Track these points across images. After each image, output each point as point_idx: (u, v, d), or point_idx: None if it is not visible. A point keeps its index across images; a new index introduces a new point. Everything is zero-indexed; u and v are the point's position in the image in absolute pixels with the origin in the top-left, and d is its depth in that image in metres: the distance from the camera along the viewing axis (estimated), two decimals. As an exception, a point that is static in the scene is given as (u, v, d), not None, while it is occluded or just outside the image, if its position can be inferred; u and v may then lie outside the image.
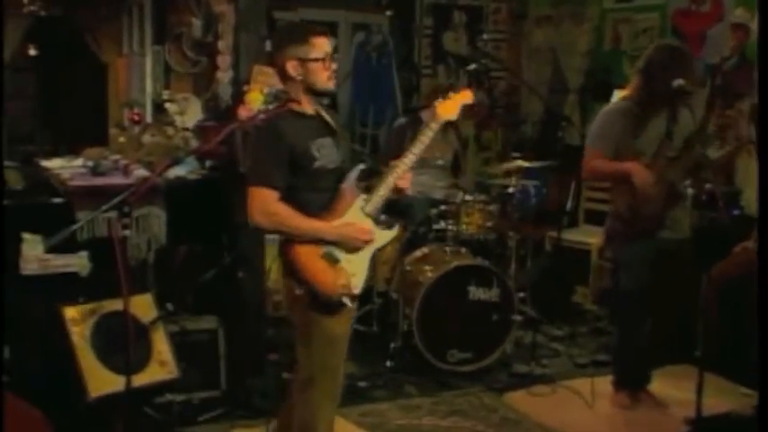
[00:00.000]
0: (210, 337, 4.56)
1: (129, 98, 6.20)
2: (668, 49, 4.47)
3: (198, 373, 4.45)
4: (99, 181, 4.61)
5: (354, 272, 3.35)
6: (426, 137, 3.48)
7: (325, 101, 3.51)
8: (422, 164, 6.01)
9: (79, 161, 5.00)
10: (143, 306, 4.25)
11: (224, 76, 4.93)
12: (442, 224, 5.58)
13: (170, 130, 5.05)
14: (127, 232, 2.90)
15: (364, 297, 5.61)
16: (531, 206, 6.15)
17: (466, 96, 3.63)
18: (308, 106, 3.38)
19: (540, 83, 8.47)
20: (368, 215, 3.40)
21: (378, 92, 8.26)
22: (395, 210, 5.81)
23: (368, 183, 3.49)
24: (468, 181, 6.58)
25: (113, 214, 2.98)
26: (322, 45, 3.32)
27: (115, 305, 4.10)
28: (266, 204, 3.25)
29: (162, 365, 4.24)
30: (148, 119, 5.85)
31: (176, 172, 4.56)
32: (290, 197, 3.30)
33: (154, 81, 6.04)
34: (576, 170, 6.14)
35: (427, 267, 5.29)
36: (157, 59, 6.00)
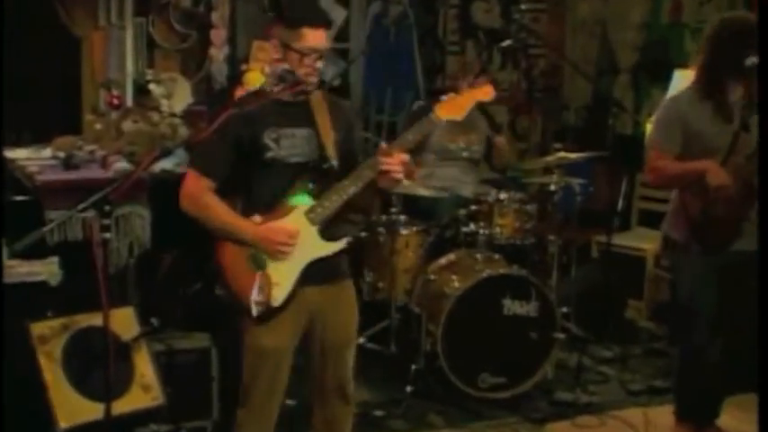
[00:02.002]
0: (201, 358, 4.55)
1: (107, 78, 6.22)
2: (739, 22, 4.41)
3: (186, 399, 4.44)
4: (72, 175, 4.63)
5: (279, 281, 3.45)
6: (406, 139, 3.50)
7: (336, 82, 3.54)
8: (445, 155, 6.01)
9: (48, 152, 5.02)
10: (123, 321, 4.24)
11: (218, 52, 4.95)
12: (472, 227, 5.58)
13: (155, 116, 5.07)
14: (107, 235, 2.90)
15: (380, 311, 5.70)
16: (575, 206, 6.11)
17: (482, 93, 3.63)
18: (284, 92, 3.46)
19: (587, 61, 8.44)
20: (312, 222, 3.47)
21: (396, 72, 8.24)
22: (415, 209, 5.86)
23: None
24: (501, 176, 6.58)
25: (90, 214, 2.97)
26: (313, 39, 3.42)
27: (90, 320, 4.10)
28: (195, 190, 3.45)
29: (145, 390, 4.23)
30: (129, 103, 5.86)
31: (162, 165, 4.57)
32: (237, 188, 3.50)
33: (135, 58, 6.07)
34: (628, 163, 6.16)
35: (454, 277, 5.29)
36: (140, 33, 6.03)
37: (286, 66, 3.42)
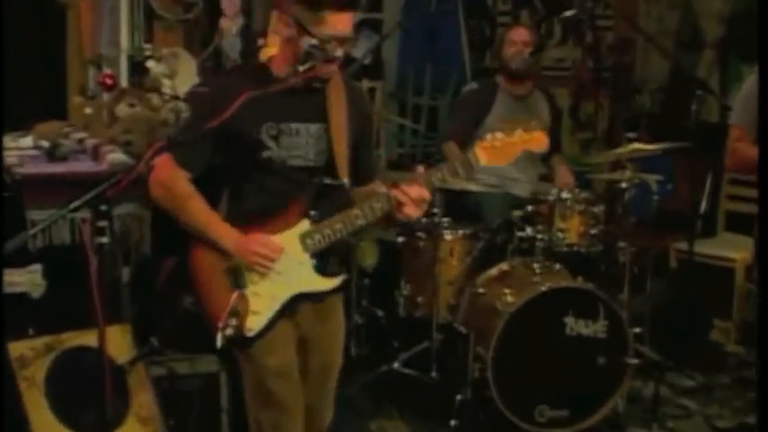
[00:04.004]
0: (208, 384, 4.56)
1: (97, 54, 6.24)
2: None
3: (191, 432, 4.47)
4: (58, 168, 4.65)
5: (258, 309, 3.45)
6: (435, 177, 3.48)
7: (367, 59, 3.51)
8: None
9: (29, 140, 5.04)
10: (117, 341, 4.26)
11: (230, 24, 4.95)
12: (529, 231, 5.57)
13: (155, 99, 5.09)
14: (103, 239, 2.90)
15: (419, 331, 5.70)
16: (650, 207, 6.08)
17: (534, 142, 3.63)
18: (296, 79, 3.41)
19: (665, 34, 8.40)
20: (306, 249, 3.46)
21: (437, 48, 8.26)
22: (461, 210, 5.85)
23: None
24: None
25: (81, 214, 2.98)
26: (336, 24, 3.36)
27: (79, 339, 4.13)
28: (169, 177, 3.45)
29: (143, 423, 4.25)
30: (124, 83, 5.88)
31: (164, 156, 4.59)
32: (231, 190, 3.54)
33: (131, 31, 6.08)
34: (714, 157, 6.12)
35: (507, 291, 5.27)
36: (136, 1, 6.04)
37: (313, 40, 3.34)
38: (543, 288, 5.16)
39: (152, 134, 4.82)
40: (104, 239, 2.94)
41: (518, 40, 6.16)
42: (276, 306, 3.47)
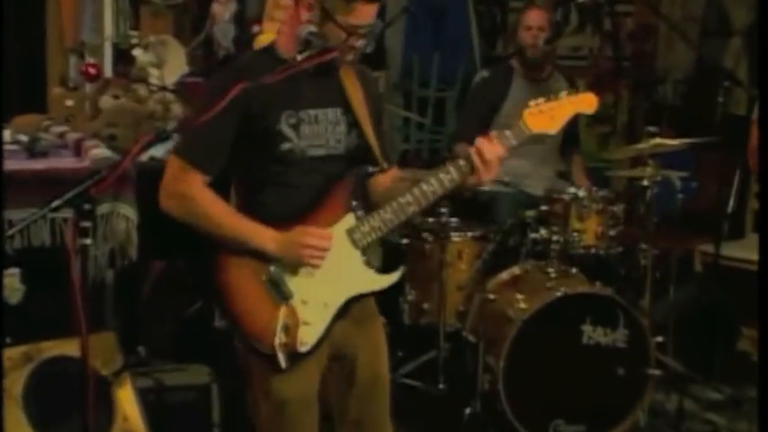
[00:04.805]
0: (199, 397, 4.57)
1: (79, 42, 6.24)
2: None
3: (181, 448, 4.47)
4: (37, 164, 4.64)
5: (310, 320, 3.35)
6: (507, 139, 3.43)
7: (369, 48, 3.50)
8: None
9: (6, 135, 5.04)
10: (102, 350, 4.25)
11: (223, 10, 4.94)
12: (543, 232, 5.58)
13: (141, 90, 5.09)
14: (87, 241, 2.89)
15: (425, 339, 5.69)
16: (674, 206, 6.08)
17: (585, 103, 3.63)
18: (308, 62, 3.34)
19: (689, 21, 8.41)
20: (355, 245, 3.40)
21: (445, 35, 8.26)
22: (471, 209, 5.84)
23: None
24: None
25: (62, 214, 2.97)
26: (364, 14, 3.33)
27: (60, 348, 4.12)
28: (182, 183, 3.32)
29: (129, 438, 4.26)
30: (108, 73, 5.88)
31: (152, 152, 4.57)
32: (246, 191, 3.42)
33: (116, 17, 6.08)
34: (742, 153, 6.12)
35: (520, 296, 5.28)
36: (122, -15, 6.05)
37: (311, 27, 3.32)
38: (558, 294, 5.17)
39: (138, 127, 4.81)
40: (87, 241, 2.92)
41: (534, 24, 6.18)
42: (331, 313, 3.37)
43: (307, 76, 3.37)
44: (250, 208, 3.38)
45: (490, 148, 3.34)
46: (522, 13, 6.36)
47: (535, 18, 6.20)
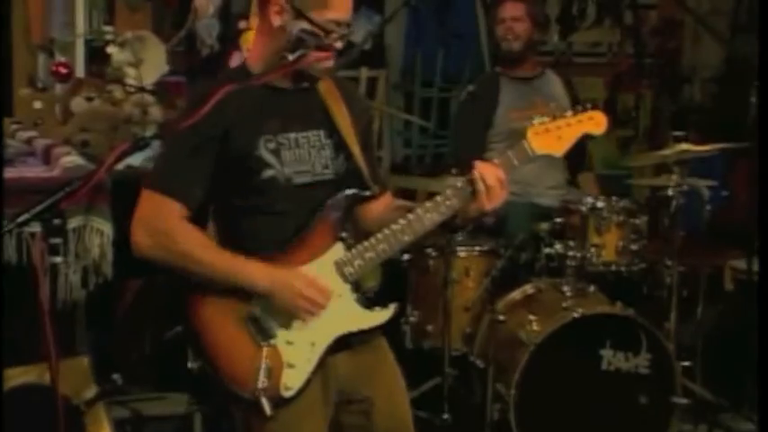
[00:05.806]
0: (181, 427, 4.58)
1: (48, 39, 6.25)
2: None
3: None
4: (3, 173, 4.63)
5: (294, 361, 3.33)
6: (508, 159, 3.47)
7: (367, 44, 3.48)
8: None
9: (-32, 141, 5.05)
10: (74, 377, 4.25)
11: (206, 4, 4.94)
12: (558, 247, 5.58)
13: (117, 92, 5.09)
14: (56, 259, 2.88)
15: (429, 365, 5.67)
16: (702, 218, 6.08)
17: (592, 124, 3.61)
18: (281, 76, 3.35)
19: (718, 15, 8.41)
20: (345, 278, 3.39)
21: (450, 31, 8.26)
22: (478, 223, 5.82)
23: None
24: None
25: (32, 229, 2.95)
26: (340, 8, 3.33)
27: (27, 375, 4.12)
28: (159, 219, 3.27)
29: (103, 474, 4.25)
30: (81, 73, 5.88)
31: (129, 161, 4.56)
32: (226, 220, 3.39)
33: (89, 11, 6.08)
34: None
35: (533, 317, 5.27)
36: (94, -25, 6.06)
37: (305, 24, 3.29)
38: (575, 315, 5.17)
39: (114, 133, 4.81)
40: (58, 259, 2.91)
41: (507, 16, 6.18)
42: (318, 353, 3.35)
43: (284, 96, 3.38)
44: (231, 238, 3.37)
45: (492, 172, 3.37)
46: (496, 7, 6.35)
47: (510, 9, 6.18)
